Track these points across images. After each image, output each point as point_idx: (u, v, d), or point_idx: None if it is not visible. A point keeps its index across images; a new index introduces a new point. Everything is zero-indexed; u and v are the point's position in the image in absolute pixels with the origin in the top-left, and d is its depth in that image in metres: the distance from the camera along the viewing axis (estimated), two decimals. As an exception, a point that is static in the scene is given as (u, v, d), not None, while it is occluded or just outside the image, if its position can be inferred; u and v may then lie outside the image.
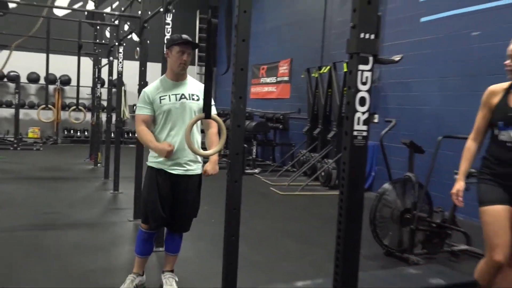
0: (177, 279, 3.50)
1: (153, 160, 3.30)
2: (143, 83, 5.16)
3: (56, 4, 12.11)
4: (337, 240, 1.70)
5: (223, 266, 2.81)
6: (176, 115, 3.23)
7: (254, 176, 9.28)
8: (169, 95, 3.25)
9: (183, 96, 3.27)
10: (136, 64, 5.39)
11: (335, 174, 8.05)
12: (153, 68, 5.31)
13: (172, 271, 3.53)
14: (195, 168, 3.35)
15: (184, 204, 3.34)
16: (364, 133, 1.63)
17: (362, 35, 1.59)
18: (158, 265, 3.95)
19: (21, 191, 6.99)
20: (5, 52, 8.09)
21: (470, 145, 2.88)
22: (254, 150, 10.61)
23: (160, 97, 3.25)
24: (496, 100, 2.62)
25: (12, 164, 9.38)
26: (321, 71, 9.04)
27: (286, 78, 11.16)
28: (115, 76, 7.54)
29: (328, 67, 8.69)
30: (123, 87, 9.89)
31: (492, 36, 6.04)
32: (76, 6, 13.58)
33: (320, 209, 6.83)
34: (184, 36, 3.27)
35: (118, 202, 6.56)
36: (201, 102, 3.09)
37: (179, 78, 3.34)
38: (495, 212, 2.64)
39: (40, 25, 7.13)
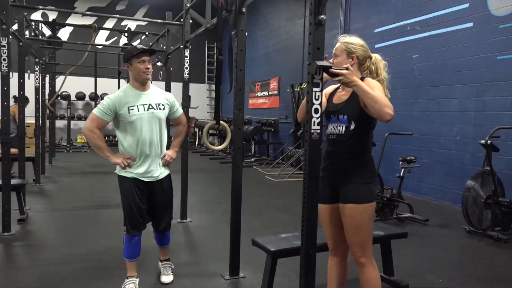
0: (173, 267, 3.16)
1: (124, 170, 2.78)
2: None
3: (96, 41, 12.48)
4: (302, 200, 2.10)
5: (231, 225, 3.21)
6: (145, 125, 2.76)
7: (252, 168, 9.65)
8: (137, 106, 2.75)
9: (151, 107, 2.79)
10: (161, 84, 5.63)
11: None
12: (176, 86, 5.64)
13: (168, 259, 3.13)
14: (163, 171, 2.90)
15: (159, 206, 2.90)
16: (318, 131, 2.03)
17: (315, 72, 1.99)
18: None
19: (77, 181, 7.33)
20: (61, 78, 8.46)
21: None
22: (252, 148, 10.99)
23: (128, 107, 2.73)
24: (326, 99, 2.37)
25: (67, 162, 9.68)
26: (302, 86, 9.41)
27: (275, 92, 11.48)
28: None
29: (306, 83, 9.05)
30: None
31: (427, 58, 6.44)
32: (111, 41, 13.97)
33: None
34: (139, 46, 2.90)
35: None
36: (166, 110, 2.88)
37: (144, 87, 2.84)
38: (319, 209, 2.29)
39: (86, 56, 7.44)
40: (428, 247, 4.05)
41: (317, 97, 2.01)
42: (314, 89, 2.01)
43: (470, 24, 5.73)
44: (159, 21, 5.41)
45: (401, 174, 5.09)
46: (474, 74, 5.68)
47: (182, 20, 4.67)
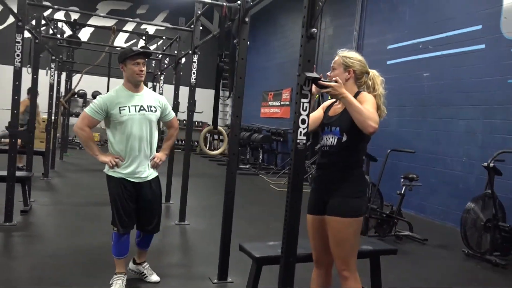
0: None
1: (112, 170, 2.81)
2: (176, 102, 5.63)
3: (116, 43, 12.76)
4: (285, 209, 2.13)
5: (222, 230, 3.26)
6: (136, 125, 2.78)
7: (259, 176, 9.69)
8: (128, 106, 2.78)
9: (142, 108, 2.82)
10: (173, 87, 5.80)
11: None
12: (184, 90, 5.71)
13: (145, 261, 3.13)
14: (151, 173, 2.93)
15: (149, 207, 2.91)
16: (304, 141, 2.07)
17: (303, 83, 2.04)
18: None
19: (84, 178, 7.46)
20: (77, 76, 8.70)
21: None
22: (261, 156, 11.04)
23: (120, 107, 2.76)
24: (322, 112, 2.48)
25: (78, 159, 9.85)
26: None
27: (287, 103, 11.52)
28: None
29: (317, 95, 9.10)
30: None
31: (437, 77, 6.42)
32: (130, 43, 14.25)
33: (304, 202, 7.18)
34: (135, 48, 2.91)
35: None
36: (158, 113, 2.91)
37: (137, 89, 2.87)
38: (307, 220, 2.43)
39: (103, 57, 7.63)
40: (422, 267, 4.02)
41: (304, 108, 2.06)
42: (302, 100, 2.06)
43: (482, 46, 5.70)
44: (170, 26, 5.54)
45: (402, 192, 5.06)
46: (484, 96, 5.64)
47: (192, 26, 4.78)
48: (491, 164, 4.28)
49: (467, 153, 5.84)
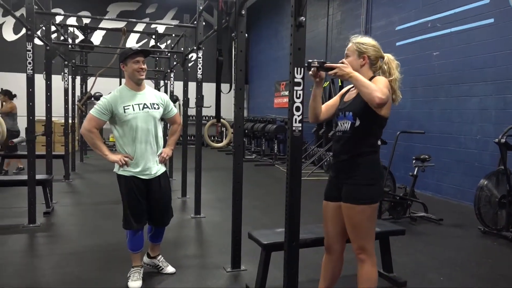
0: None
1: (122, 169, 2.88)
2: (186, 98, 5.71)
3: (128, 44, 12.95)
4: (286, 195, 2.19)
5: (232, 219, 3.36)
6: (141, 123, 2.86)
7: (275, 167, 9.74)
8: (132, 105, 2.85)
9: (146, 106, 2.89)
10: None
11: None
12: (193, 85, 5.80)
13: (159, 254, 3.24)
14: (160, 168, 3.00)
15: (160, 201, 3.00)
16: (299, 128, 2.12)
17: (295, 71, 2.08)
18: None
19: (103, 178, 7.64)
20: (92, 79, 8.89)
21: None
22: (276, 147, 11.07)
23: (124, 107, 2.83)
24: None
25: (97, 160, 10.04)
26: (324, 85, 9.40)
27: (300, 91, 11.51)
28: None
29: (328, 82, 9.07)
30: (177, 102, 10.51)
31: (447, 55, 6.32)
32: (141, 43, 14.44)
33: (320, 189, 7.17)
34: (135, 47, 2.95)
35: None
36: (161, 110, 2.99)
37: (139, 87, 2.93)
38: (323, 205, 2.49)
39: (115, 58, 7.77)
40: (437, 246, 4.02)
41: (298, 96, 2.11)
42: (295, 88, 2.10)
43: (491, 20, 5.58)
44: (173, 24, 5.61)
45: (415, 173, 5.04)
46: (495, 71, 5.54)
47: (195, 22, 4.84)
48: (503, 140, 4.22)
49: (481, 130, 5.76)
